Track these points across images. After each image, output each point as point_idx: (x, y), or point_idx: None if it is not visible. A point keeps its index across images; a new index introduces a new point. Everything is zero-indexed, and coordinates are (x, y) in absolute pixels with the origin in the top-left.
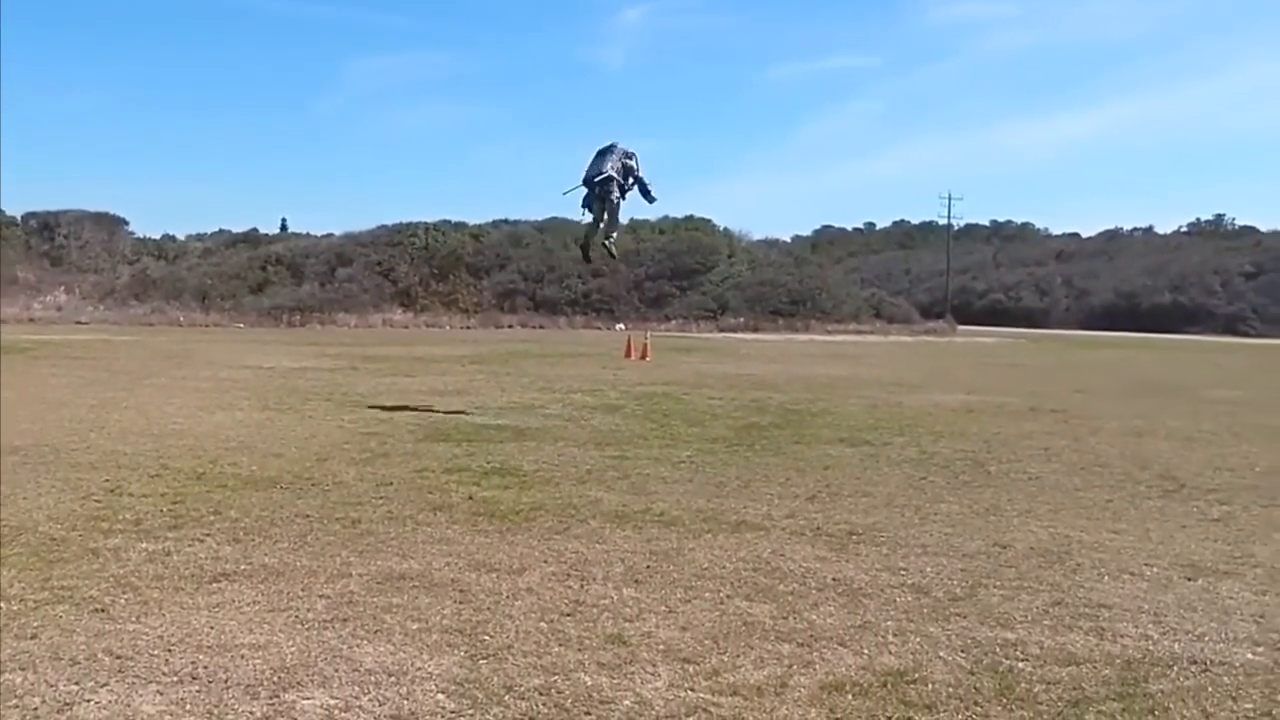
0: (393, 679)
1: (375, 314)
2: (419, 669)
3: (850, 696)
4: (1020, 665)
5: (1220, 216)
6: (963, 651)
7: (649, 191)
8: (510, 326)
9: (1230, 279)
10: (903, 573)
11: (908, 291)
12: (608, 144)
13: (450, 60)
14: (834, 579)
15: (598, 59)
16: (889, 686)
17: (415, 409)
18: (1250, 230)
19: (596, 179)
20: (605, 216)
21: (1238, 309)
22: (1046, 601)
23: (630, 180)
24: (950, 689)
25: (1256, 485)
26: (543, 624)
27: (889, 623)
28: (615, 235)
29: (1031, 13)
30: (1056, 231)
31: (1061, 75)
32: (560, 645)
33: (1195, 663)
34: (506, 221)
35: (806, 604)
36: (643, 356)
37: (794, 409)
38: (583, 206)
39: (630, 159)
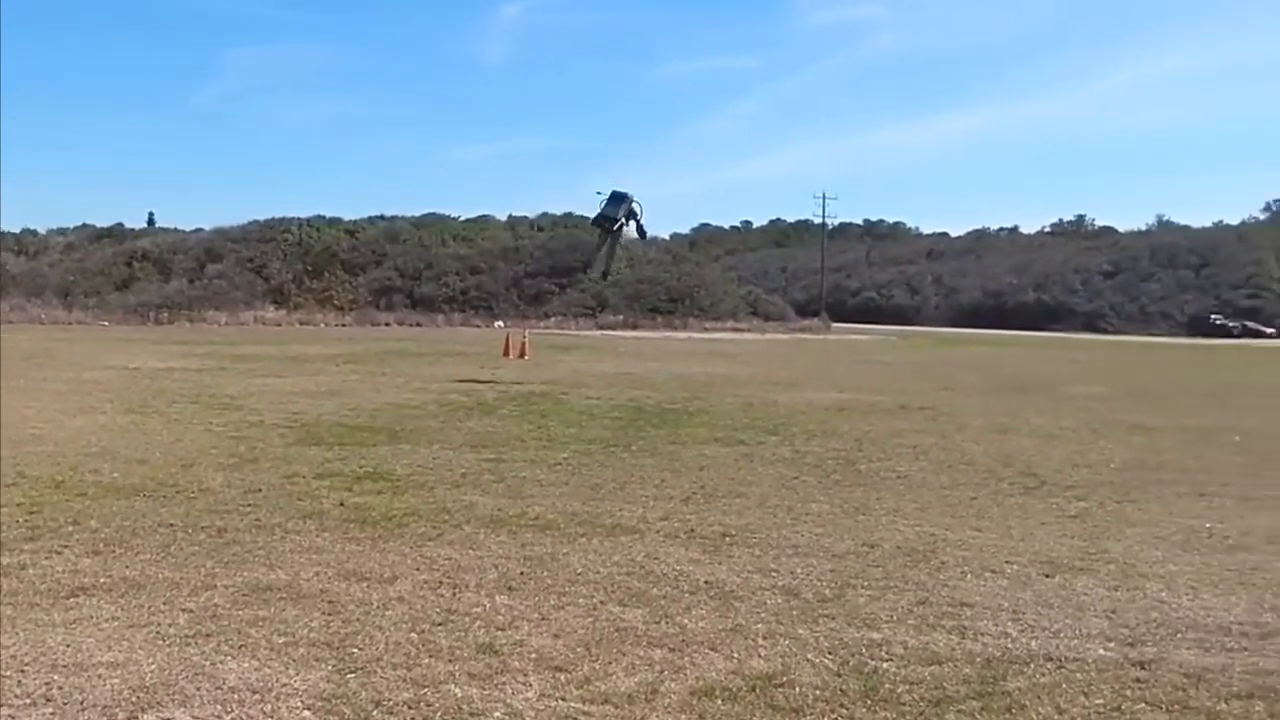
0: (256, 696)
1: (247, 312)
2: (284, 685)
3: (720, 702)
4: (885, 666)
5: (1081, 217)
6: (830, 653)
7: (644, 230)
8: (387, 324)
9: (1090, 278)
10: (774, 574)
11: (783, 289)
12: (623, 191)
13: (326, 53)
14: (706, 582)
15: (477, 54)
16: (758, 691)
17: (287, 411)
18: (1109, 230)
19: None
20: (609, 248)
21: (1097, 307)
22: (912, 601)
23: (630, 220)
24: (817, 692)
25: (1112, 481)
26: (413, 635)
27: (759, 625)
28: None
29: (904, 17)
30: (927, 231)
31: (932, 78)
32: (431, 656)
33: (1051, 659)
34: (383, 217)
35: (679, 608)
36: (521, 355)
37: (671, 408)
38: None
39: (635, 203)
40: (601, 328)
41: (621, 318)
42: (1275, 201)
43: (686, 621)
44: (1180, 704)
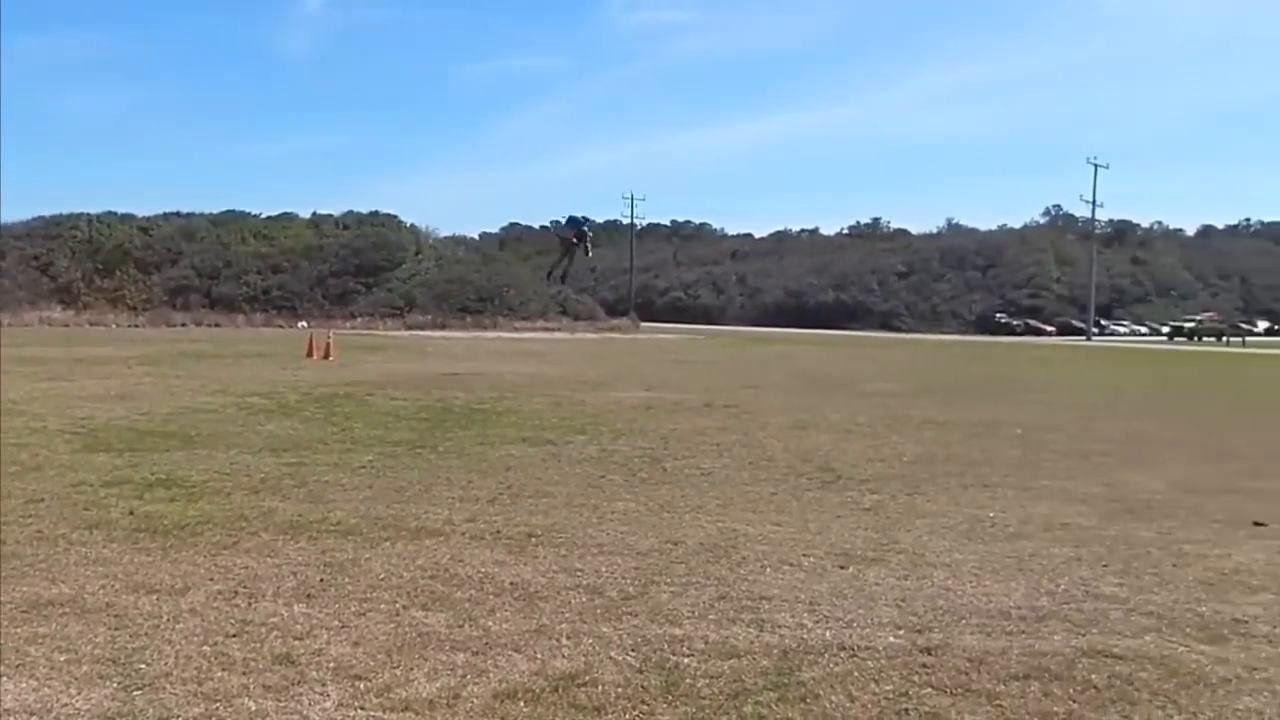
0: (35, 718)
1: (31, 312)
2: (65, 705)
3: (522, 704)
4: (686, 661)
5: (877, 220)
6: (633, 651)
7: (588, 249)
8: (183, 325)
9: (885, 278)
10: (579, 574)
11: (593, 289)
12: (581, 216)
13: (116, 40)
14: (511, 583)
15: (278, 46)
16: (560, 691)
17: (73, 416)
18: (903, 233)
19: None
20: (569, 259)
21: (892, 306)
22: (713, 596)
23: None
24: (619, 689)
25: (903, 475)
26: (205, 647)
27: (563, 625)
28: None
29: (711, 20)
30: (732, 232)
31: (737, 82)
32: (223, 669)
33: (844, 649)
34: (179, 214)
35: (483, 610)
36: (325, 356)
37: (479, 409)
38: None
39: (588, 226)
40: (410, 328)
41: (430, 317)
42: (1054, 206)
43: (490, 624)
44: (963, 687)
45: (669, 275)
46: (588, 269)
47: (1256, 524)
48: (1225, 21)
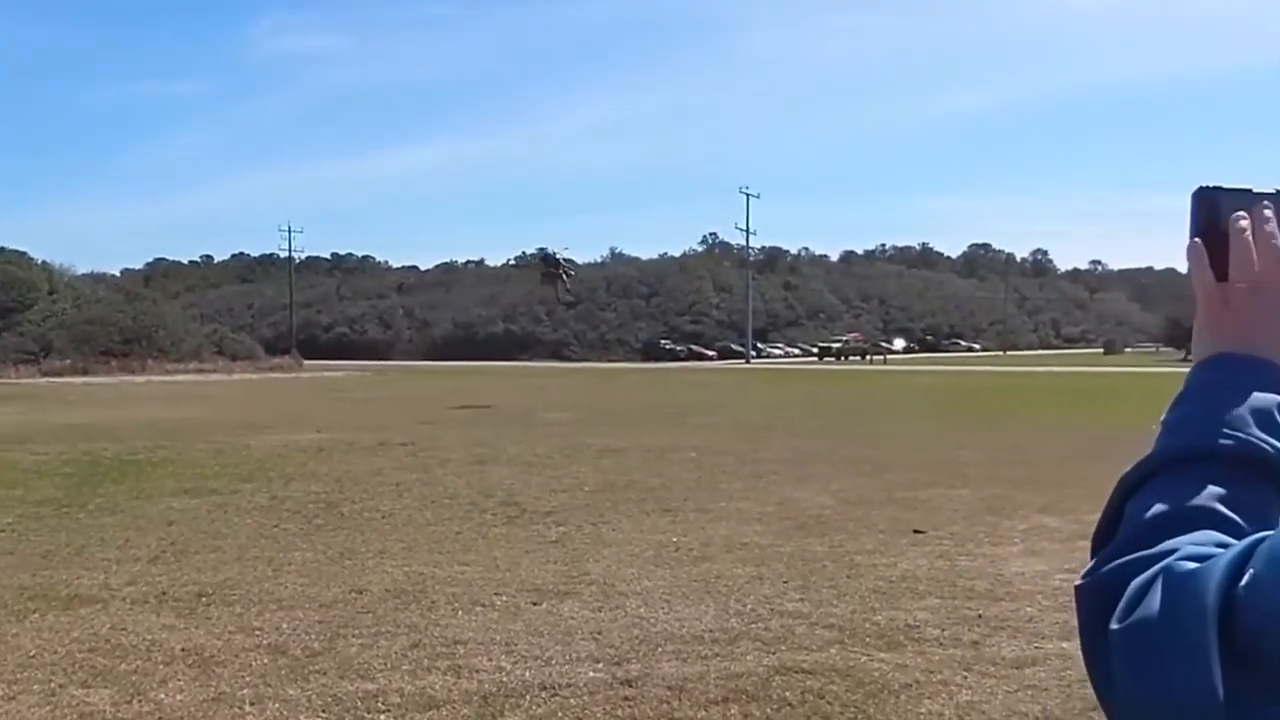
0: None
1: None
2: None
3: None
4: (382, 718)
5: (542, 250)
6: (323, 711)
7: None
8: None
9: (554, 308)
10: (258, 633)
11: (251, 327)
12: (550, 251)
13: None
14: (183, 649)
15: None
16: None
17: None
18: (569, 262)
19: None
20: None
21: (561, 335)
22: (405, 644)
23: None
24: None
25: (587, 504)
26: None
27: (245, 691)
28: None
29: (364, 50)
30: (397, 264)
31: (392, 111)
32: None
33: (545, 688)
34: None
35: (153, 682)
36: None
37: (133, 460)
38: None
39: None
40: (46, 374)
41: (69, 362)
42: (711, 234)
43: (162, 696)
44: (665, 716)
45: (332, 310)
46: (244, 305)
47: (916, 531)
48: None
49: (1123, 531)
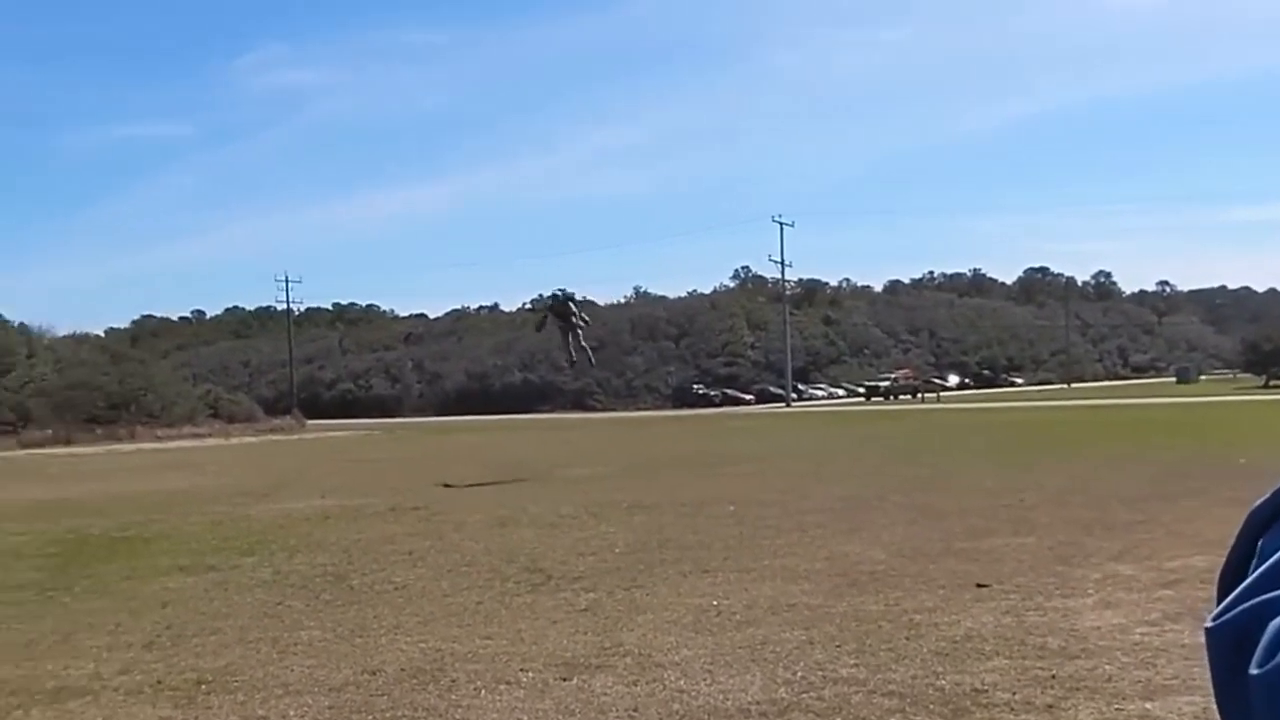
0: None
1: None
2: None
3: None
4: None
5: (554, 293)
6: None
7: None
8: None
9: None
10: None
11: (248, 386)
12: (560, 292)
13: None
14: None
15: None
16: None
17: None
18: (589, 304)
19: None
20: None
21: (584, 384)
22: None
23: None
24: None
25: (618, 567)
26: None
27: None
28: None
29: (355, 81)
30: (403, 313)
31: (389, 147)
32: None
33: None
34: None
35: None
36: None
37: (123, 536)
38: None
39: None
40: (25, 446)
41: (50, 432)
42: (743, 268)
43: None
44: None
45: (336, 365)
46: (240, 363)
47: (979, 585)
48: (887, 74)
49: (1257, 570)
